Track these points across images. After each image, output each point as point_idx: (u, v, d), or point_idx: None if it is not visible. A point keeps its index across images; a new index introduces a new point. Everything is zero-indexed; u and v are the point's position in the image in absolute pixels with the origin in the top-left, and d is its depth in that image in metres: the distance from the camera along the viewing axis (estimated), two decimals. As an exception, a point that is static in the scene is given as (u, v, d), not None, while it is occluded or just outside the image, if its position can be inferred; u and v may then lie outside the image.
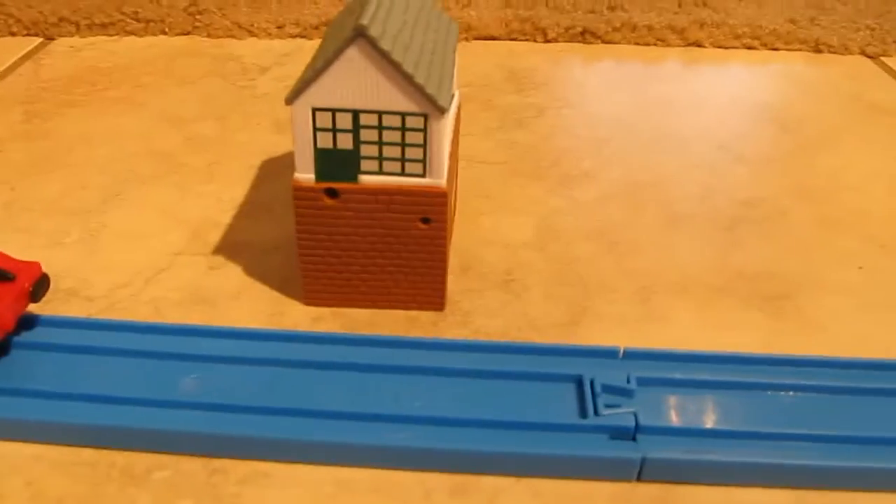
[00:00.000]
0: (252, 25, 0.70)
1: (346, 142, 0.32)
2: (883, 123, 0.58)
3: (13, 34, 0.70)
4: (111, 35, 0.70)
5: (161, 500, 0.28)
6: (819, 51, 0.71)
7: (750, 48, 0.71)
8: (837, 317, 0.38)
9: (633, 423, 0.29)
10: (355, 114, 0.32)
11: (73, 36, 0.70)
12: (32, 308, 0.33)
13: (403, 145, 0.32)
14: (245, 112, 0.56)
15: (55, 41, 0.69)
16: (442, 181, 0.33)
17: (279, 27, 0.71)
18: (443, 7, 0.74)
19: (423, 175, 0.33)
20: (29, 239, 0.42)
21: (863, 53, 0.71)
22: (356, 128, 0.32)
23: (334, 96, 0.31)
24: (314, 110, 0.32)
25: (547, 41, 0.71)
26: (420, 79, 0.31)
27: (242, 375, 0.32)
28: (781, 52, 0.71)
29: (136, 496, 0.28)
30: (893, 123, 0.58)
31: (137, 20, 0.71)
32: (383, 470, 0.29)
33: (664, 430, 0.30)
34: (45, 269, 0.34)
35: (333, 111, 0.32)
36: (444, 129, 0.32)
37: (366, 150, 0.32)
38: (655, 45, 0.71)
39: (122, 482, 0.29)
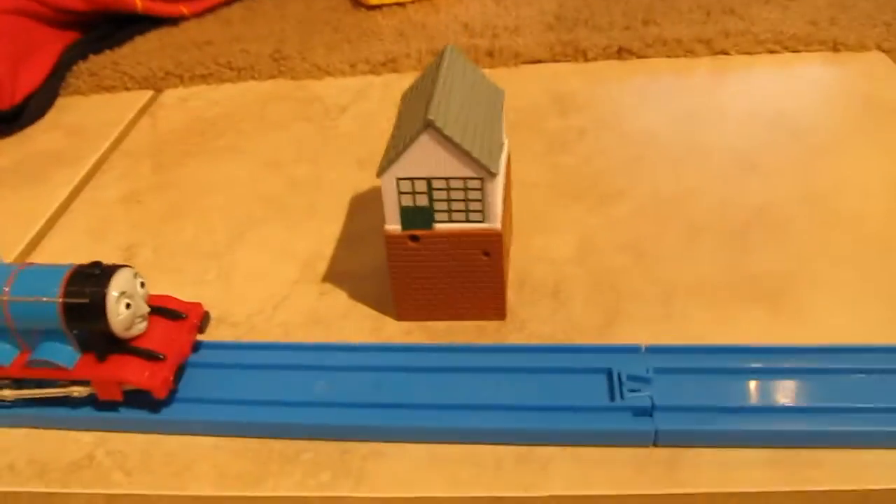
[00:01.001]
0: (328, 66, 0.81)
1: (422, 200, 0.43)
2: (890, 122, 0.65)
3: (128, 89, 0.82)
4: (210, 84, 0.81)
5: (309, 474, 0.39)
6: (837, 50, 0.78)
7: (773, 52, 0.79)
8: (827, 310, 0.47)
9: (649, 404, 0.39)
10: (429, 180, 0.42)
11: (178, 87, 0.81)
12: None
13: (466, 200, 0.43)
14: (331, 152, 0.67)
15: (164, 93, 0.81)
16: (497, 224, 0.43)
17: (352, 66, 0.81)
18: (493, 35, 0.83)
19: (482, 221, 0.43)
20: (177, 278, 0.54)
21: (879, 49, 0.77)
22: (430, 190, 0.42)
23: (412, 169, 0.42)
24: (398, 179, 0.42)
25: (587, 61, 0.80)
26: (476, 153, 0.41)
27: (358, 379, 0.42)
28: (802, 53, 0.78)
29: (291, 471, 0.39)
30: (898, 122, 0.65)
31: (230, 69, 0.82)
32: (465, 445, 0.40)
33: (674, 408, 0.39)
34: (199, 302, 0.45)
35: (412, 179, 0.42)
36: (497, 186, 0.42)
37: (438, 205, 0.43)
38: (685, 56, 0.79)
39: (280, 462, 0.40)
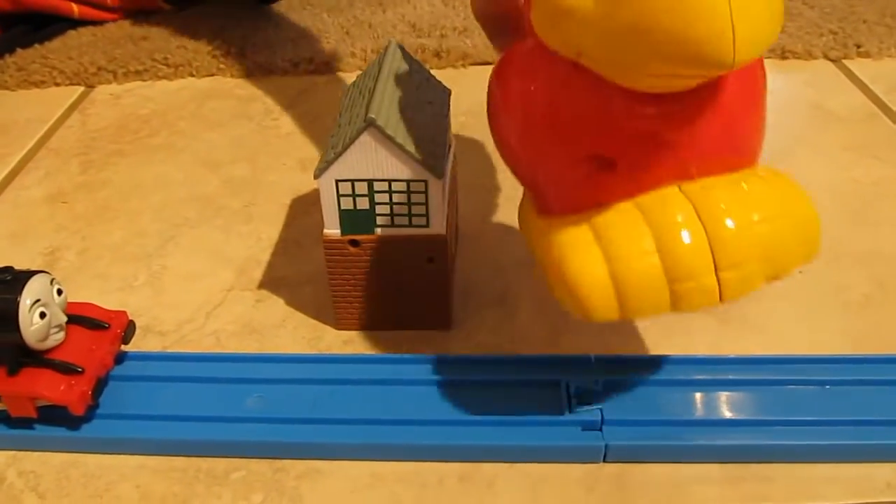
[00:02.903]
0: (270, 64, 0.78)
1: (363, 203, 0.41)
2: (836, 131, 0.65)
3: (57, 84, 0.78)
4: (145, 80, 0.78)
5: (239, 495, 0.37)
6: (785, 57, 0.78)
7: (722, 59, 0.78)
8: (775, 319, 0.46)
9: (599, 418, 0.38)
10: (370, 182, 0.40)
11: (111, 83, 0.78)
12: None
13: (409, 204, 0.40)
14: (272, 152, 0.64)
15: (96, 89, 0.77)
16: (442, 229, 0.41)
17: (295, 64, 0.78)
18: (441, 35, 0.82)
19: (426, 225, 0.41)
20: (103, 284, 0.51)
21: (826, 58, 0.78)
22: (371, 193, 0.40)
23: (352, 170, 0.39)
24: (337, 181, 0.40)
25: (536, 64, 0.78)
26: (419, 154, 0.39)
27: (294, 393, 0.40)
28: (750, 60, 0.78)
29: (220, 493, 0.37)
30: (845, 130, 0.65)
31: (167, 65, 0.79)
32: (407, 462, 0.38)
33: (624, 422, 0.38)
34: (124, 310, 0.42)
35: (352, 181, 0.40)
36: (442, 189, 0.40)
37: (380, 209, 0.41)
38: (635, 61, 0.78)
39: (208, 482, 0.37)
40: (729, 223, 0.29)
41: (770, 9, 0.24)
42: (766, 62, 0.76)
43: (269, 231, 0.55)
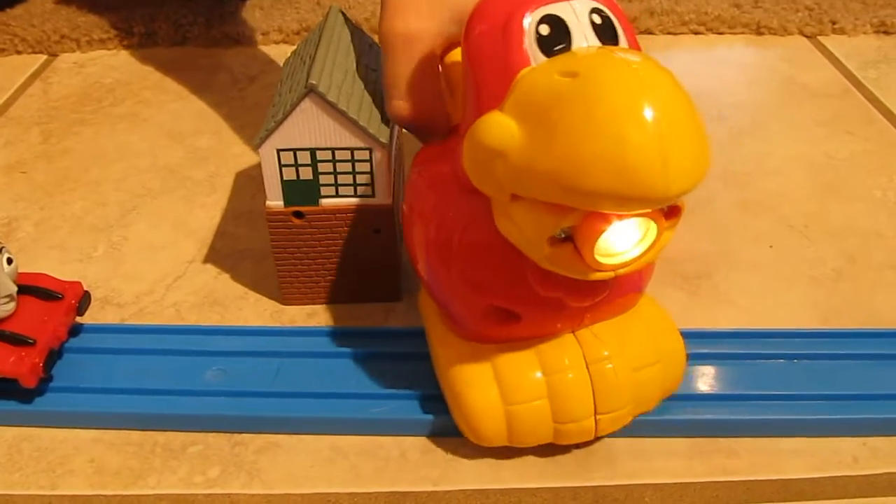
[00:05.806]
0: (238, 34, 0.76)
1: (306, 173, 0.39)
2: (810, 106, 0.64)
3: (19, 52, 0.76)
4: (109, 49, 0.76)
5: (196, 470, 0.36)
6: (760, 33, 0.78)
7: (697, 33, 0.78)
8: (745, 292, 0.45)
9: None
10: (312, 151, 0.39)
11: (74, 52, 0.76)
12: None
13: (354, 173, 0.39)
14: (238, 124, 0.63)
15: (59, 58, 0.75)
16: (388, 199, 0.40)
17: (263, 34, 0.77)
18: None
19: (371, 195, 0.40)
20: (61, 255, 0.49)
21: (801, 34, 0.77)
22: (314, 162, 0.39)
23: (294, 139, 0.38)
24: (278, 151, 0.39)
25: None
26: (363, 121, 0.37)
27: (254, 366, 0.39)
28: (726, 35, 0.77)
29: (177, 467, 0.36)
30: (819, 105, 0.65)
31: (132, 34, 0.77)
32: (368, 436, 0.37)
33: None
34: (78, 280, 0.41)
35: (294, 150, 0.38)
36: (387, 158, 0.39)
37: (324, 179, 0.39)
38: (610, 35, 0.77)
39: (164, 456, 0.36)
40: (611, 375, 0.33)
41: (698, 144, 0.25)
42: (742, 37, 0.76)
43: (233, 203, 0.53)
